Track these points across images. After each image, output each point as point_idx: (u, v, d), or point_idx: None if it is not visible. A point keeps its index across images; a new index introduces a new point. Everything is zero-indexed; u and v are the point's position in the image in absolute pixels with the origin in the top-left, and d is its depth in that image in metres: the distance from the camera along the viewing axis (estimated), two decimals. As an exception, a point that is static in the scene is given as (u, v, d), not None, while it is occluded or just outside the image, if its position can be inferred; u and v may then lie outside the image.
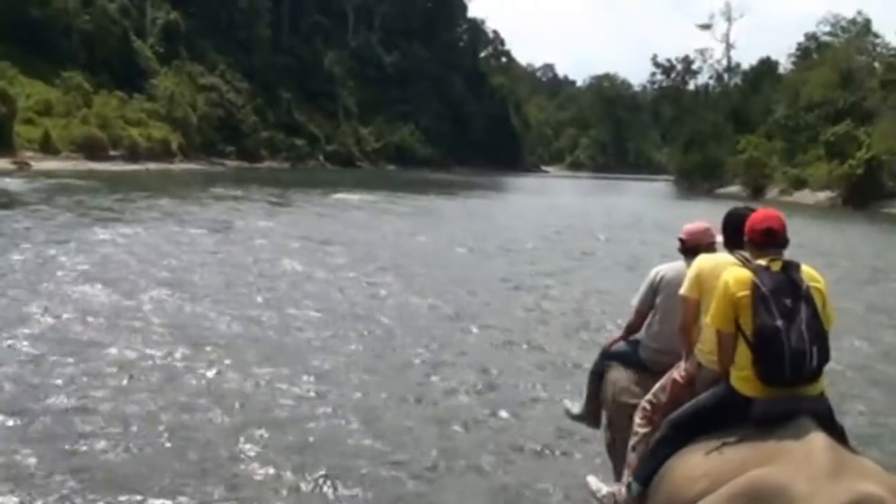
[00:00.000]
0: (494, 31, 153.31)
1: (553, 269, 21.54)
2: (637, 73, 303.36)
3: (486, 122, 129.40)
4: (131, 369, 10.36)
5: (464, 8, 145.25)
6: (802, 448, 3.77)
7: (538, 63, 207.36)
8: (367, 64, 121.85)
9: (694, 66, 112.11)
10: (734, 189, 76.32)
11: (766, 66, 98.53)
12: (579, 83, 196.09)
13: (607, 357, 6.20)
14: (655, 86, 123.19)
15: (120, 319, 12.90)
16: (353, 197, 45.46)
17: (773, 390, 4.12)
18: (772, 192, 72.06)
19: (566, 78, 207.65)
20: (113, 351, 11.14)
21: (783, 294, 4.14)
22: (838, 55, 79.22)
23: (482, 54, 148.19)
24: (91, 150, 65.62)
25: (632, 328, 6.23)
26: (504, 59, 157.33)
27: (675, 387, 4.95)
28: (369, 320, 14.03)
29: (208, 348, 11.55)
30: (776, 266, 4.27)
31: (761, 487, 3.58)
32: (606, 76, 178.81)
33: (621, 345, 6.20)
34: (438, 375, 10.98)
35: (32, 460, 7.54)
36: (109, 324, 12.60)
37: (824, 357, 4.12)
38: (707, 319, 4.51)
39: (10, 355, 10.73)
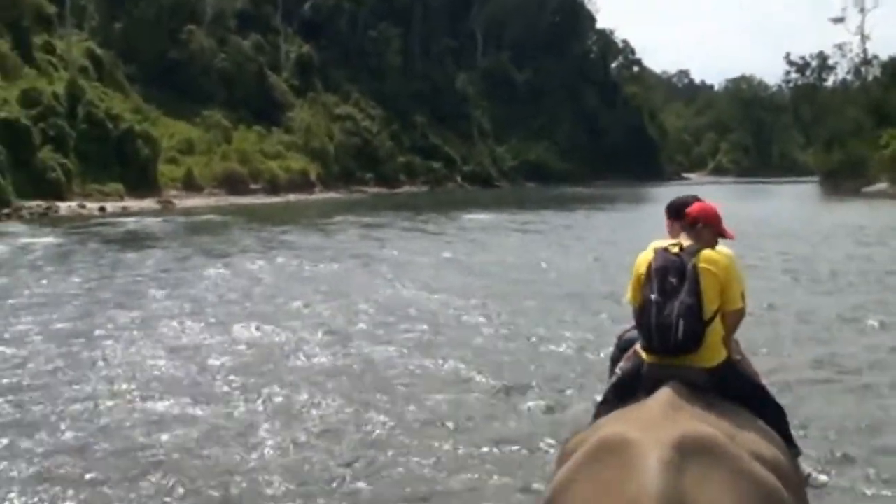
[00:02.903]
0: (624, 41, 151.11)
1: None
2: (774, 73, 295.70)
3: (622, 132, 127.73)
4: (241, 409, 10.14)
5: (592, 20, 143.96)
6: (649, 403, 4.28)
7: (673, 70, 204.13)
8: (498, 83, 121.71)
9: (830, 62, 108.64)
10: (881, 186, 72.66)
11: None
12: (716, 87, 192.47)
13: (620, 345, 6.27)
14: (790, 84, 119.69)
15: (226, 356, 12.80)
16: (500, 217, 45.12)
17: (654, 358, 4.63)
18: (920, 187, 68.42)
19: (703, 83, 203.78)
20: (215, 387, 11.06)
21: (670, 273, 4.59)
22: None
23: (613, 65, 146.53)
24: (232, 185, 67.18)
25: None
26: (636, 69, 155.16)
27: (636, 357, 5.17)
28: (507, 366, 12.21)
29: (314, 385, 11.13)
30: (674, 248, 4.73)
31: (606, 440, 3.98)
32: (743, 78, 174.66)
33: (633, 333, 6.15)
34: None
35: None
36: (223, 362, 12.49)
37: (691, 331, 4.50)
38: None
39: (122, 391, 10.79)
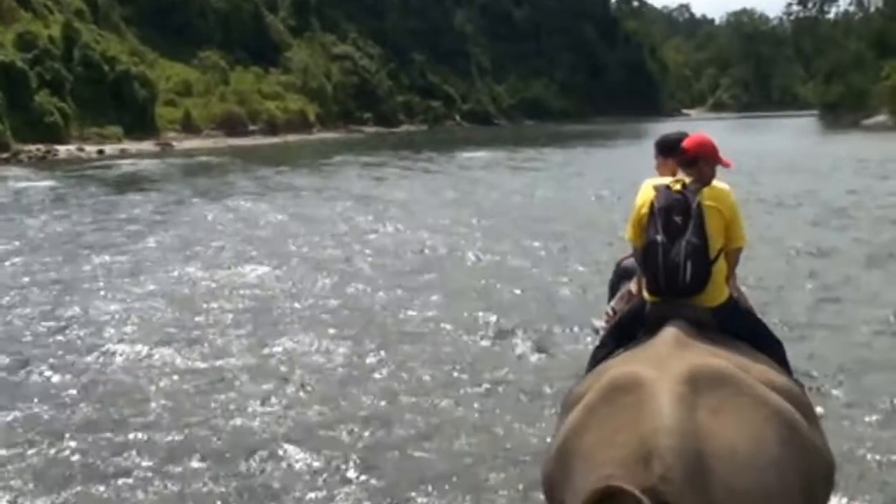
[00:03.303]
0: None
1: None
2: (775, 6, 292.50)
3: (621, 69, 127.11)
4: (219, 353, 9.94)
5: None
6: (655, 342, 4.23)
7: (673, 4, 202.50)
8: (497, 20, 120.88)
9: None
10: (881, 119, 72.41)
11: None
12: (717, 21, 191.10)
13: (619, 272, 6.27)
14: (791, 17, 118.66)
15: (211, 299, 12.64)
16: (498, 156, 45.01)
17: (658, 298, 4.52)
18: (921, 120, 67.91)
19: (704, 17, 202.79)
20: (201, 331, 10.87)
21: (674, 212, 4.47)
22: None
23: (613, 0, 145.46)
24: (231, 126, 67.11)
25: None
26: (636, 3, 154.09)
27: (630, 297, 5.23)
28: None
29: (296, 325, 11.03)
30: (677, 185, 4.58)
31: (616, 381, 3.96)
32: (744, 11, 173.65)
33: (632, 260, 5.98)
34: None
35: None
36: (208, 305, 12.35)
37: (700, 272, 4.43)
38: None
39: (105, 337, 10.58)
